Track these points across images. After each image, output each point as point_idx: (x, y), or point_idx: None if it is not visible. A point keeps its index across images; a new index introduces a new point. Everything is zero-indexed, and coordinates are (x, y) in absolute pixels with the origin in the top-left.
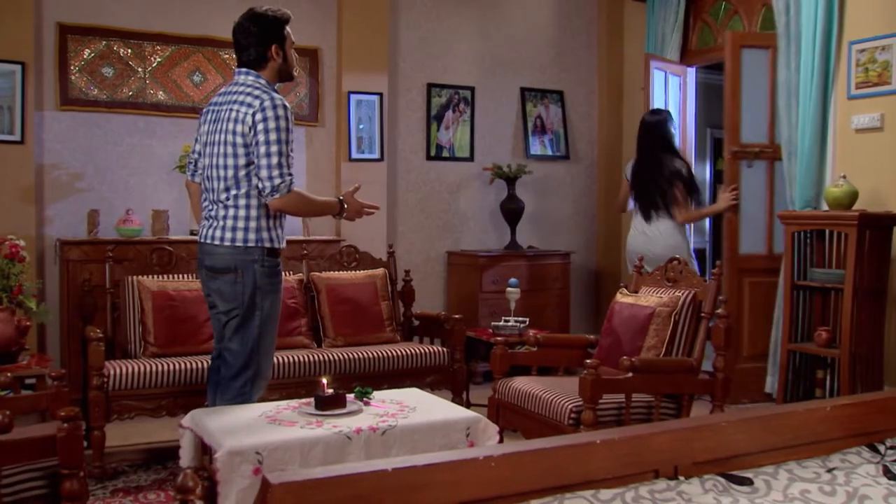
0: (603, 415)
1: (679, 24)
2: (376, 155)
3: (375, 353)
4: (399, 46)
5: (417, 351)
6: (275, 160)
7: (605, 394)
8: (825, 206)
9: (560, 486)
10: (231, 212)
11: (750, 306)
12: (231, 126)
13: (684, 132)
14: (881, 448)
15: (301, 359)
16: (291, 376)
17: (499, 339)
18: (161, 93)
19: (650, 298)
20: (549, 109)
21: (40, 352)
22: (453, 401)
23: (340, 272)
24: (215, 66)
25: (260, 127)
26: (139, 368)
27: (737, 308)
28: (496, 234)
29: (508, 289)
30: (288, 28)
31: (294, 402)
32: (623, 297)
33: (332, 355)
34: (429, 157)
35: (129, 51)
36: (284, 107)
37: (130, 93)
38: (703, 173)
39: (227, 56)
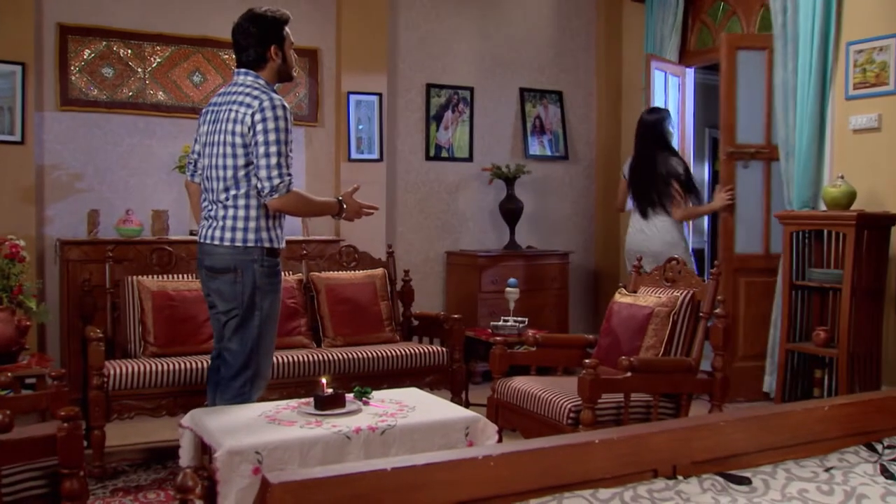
0: (602, 414)
1: (678, 24)
2: (375, 155)
3: (375, 353)
4: (398, 47)
5: (417, 351)
6: (274, 160)
7: (604, 393)
8: (823, 207)
9: (559, 485)
10: (230, 212)
11: (746, 306)
12: (230, 126)
13: (683, 132)
14: (879, 447)
15: (300, 359)
16: (291, 376)
17: (498, 338)
18: (161, 93)
19: (649, 298)
20: (548, 110)
21: (40, 352)
22: (452, 400)
23: (340, 272)
24: (215, 66)
25: (259, 127)
26: (139, 368)
27: (732, 307)
28: (495, 235)
29: (507, 289)
30: (287, 29)
31: (293, 402)
32: (622, 297)
33: (332, 355)
34: (428, 158)
35: (129, 51)
36: (283, 107)
37: (130, 93)
38: (702, 173)
39: (226, 56)
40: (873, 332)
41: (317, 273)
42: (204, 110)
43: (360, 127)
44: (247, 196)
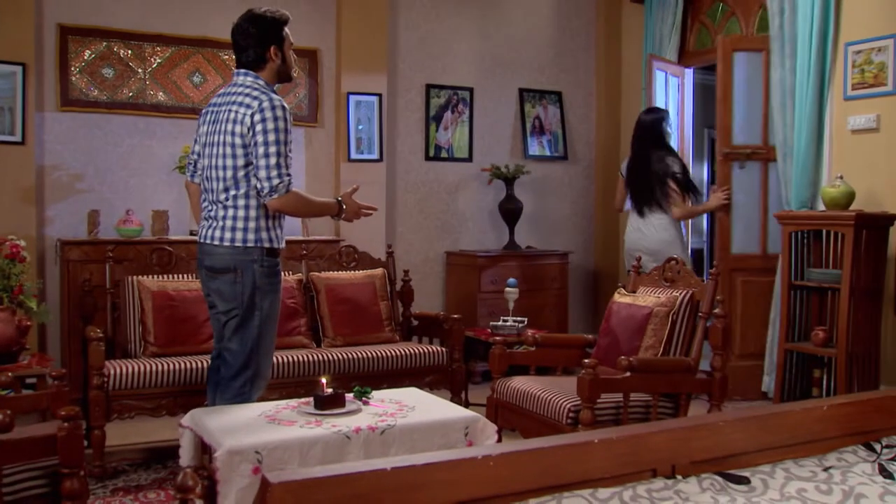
0: (601, 414)
1: (677, 25)
2: (375, 155)
3: (374, 353)
4: (398, 47)
5: (416, 351)
6: (273, 161)
7: (603, 393)
8: (821, 207)
9: (558, 485)
10: (230, 212)
11: (743, 305)
12: (230, 127)
13: (682, 133)
14: (877, 447)
15: (300, 358)
16: (291, 376)
17: (497, 338)
18: (161, 94)
19: (648, 298)
20: (548, 110)
21: (41, 351)
22: (452, 400)
23: (339, 272)
24: (215, 66)
25: (259, 128)
26: (139, 368)
27: (729, 307)
28: (495, 235)
29: (507, 289)
30: (287, 29)
31: (293, 402)
32: (621, 297)
33: (332, 355)
34: (427, 158)
35: (130, 52)
36: (283, 107)
37: (130, 94)
38: (701, 174)
39: (226, 57)
40: (872, 331)
41: (317, 273)
42: (204, 111)
43: (360, 127)
44: (246, 196)
